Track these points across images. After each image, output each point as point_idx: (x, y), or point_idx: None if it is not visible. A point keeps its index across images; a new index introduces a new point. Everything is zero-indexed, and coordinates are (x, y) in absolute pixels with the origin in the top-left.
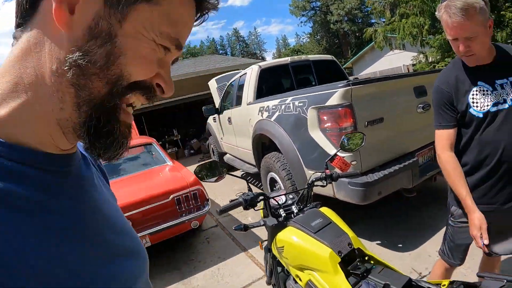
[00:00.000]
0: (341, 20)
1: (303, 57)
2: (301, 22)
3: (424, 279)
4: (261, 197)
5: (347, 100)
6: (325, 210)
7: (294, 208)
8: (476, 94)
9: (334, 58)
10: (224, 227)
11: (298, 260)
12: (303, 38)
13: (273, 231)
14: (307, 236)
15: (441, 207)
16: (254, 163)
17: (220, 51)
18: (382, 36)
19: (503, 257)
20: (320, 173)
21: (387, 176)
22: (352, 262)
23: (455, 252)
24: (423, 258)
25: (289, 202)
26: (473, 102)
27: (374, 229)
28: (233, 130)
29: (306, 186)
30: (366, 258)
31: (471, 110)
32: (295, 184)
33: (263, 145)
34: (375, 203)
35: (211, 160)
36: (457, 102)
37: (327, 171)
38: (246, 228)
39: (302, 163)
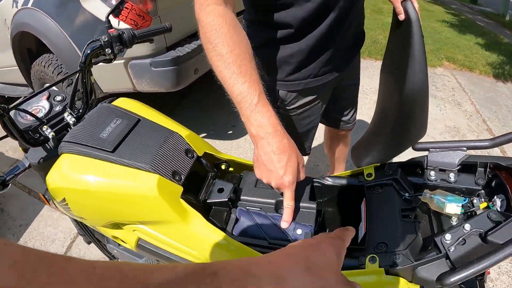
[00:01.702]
0: None
1: None
2: None
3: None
4: None
5: None
6: (123, 102)
7: (69, 118)
8: None
9: None
10: (16, 181)
11: (104, 215)
12: None
13: (46, 171)
14: (99, 163)
15: None
16: (26, 81)
17: None
18: None
19: None
20: (98, 40)
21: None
22: (203, 183)
23: (304, 142)
24: None
25: (58, 109)
26: None
27: (220, 114)
28: None
29: (78, 69)
30: (224, 166)
31: None
32: (79, 90)
33: (31, 52)
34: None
35: None
36: None
37: (112, 30)
38: (4, 182)
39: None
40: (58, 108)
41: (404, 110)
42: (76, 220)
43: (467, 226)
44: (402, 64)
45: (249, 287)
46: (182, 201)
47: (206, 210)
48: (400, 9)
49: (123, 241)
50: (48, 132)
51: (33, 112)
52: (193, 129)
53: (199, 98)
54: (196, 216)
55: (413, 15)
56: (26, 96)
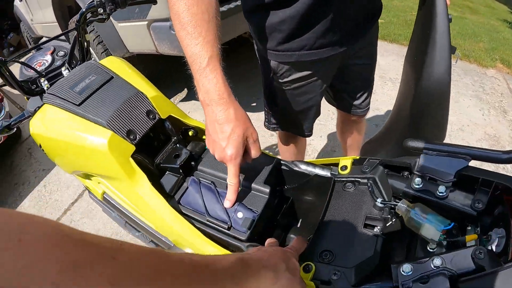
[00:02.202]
0: None
1: None
2: None
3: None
4: None
5: None
6: (107, 60)
7: (65, 72)
8: None
9: None
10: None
11: (69, 164)
12: None
13: None
14: (67, 115)
15: None
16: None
17: None
18: None
19: None
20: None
21: (232, 12)
22: (164, 147)
23: (302, 121)
24: None
25: (58, 63)
26: None
27: (247, 85)
28: (38, 2)
29: (74, 26)
30: (191, 133)
31: None
32: (107, 50)
33: (71, 10)
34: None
35: None
36: None
37: None
38: (9, 126)
39: (111, 17)
40: (58, 63)
41: (419, 106)
42: None
43: (437, 261)
44: (422, 52)
45: (265, 272)
46: (131, 160)
47: (160, 174)
48: None
49: (94, 190)
50: (44, 84)
51: (37, 65)
52: None
53: (227, 67)
54: (141, 177)
55: None
56: (25, 50)
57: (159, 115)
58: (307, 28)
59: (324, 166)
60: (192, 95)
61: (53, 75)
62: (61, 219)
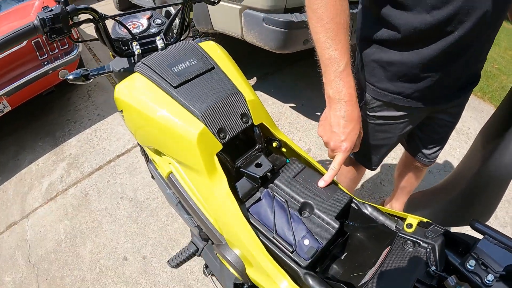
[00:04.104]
0: None
1: None
2: None
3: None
4: (85, 16)
5: None
6: (208, 46)
7: (159, 42)
8: None
9: None
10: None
11: (147, 138)
12: None
13: (121, 80)
14: (160, 92)
15: None
16: None
17: None
18: None
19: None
20: None
21: None
22: (246, 152)
23: (372, 155)
24: None
25: (154, 30)
26: None
27: (287, 88)
28: None
29: (181, 0)
30: (275, 144)
31: None
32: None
33: None
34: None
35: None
36: None
37: None
38: (86, 76)
39: None
40: (154, 30)
41: (477, 183)
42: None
43: None
44: (500, 132)
45: None
46: (215, 158)
47: (236, 177)
48: None
49: (161, 167)
50: (136, 48)
51: (131, 26)
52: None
53: (302, 71)
54: (221, 178)
55: None
56: (131, 12)
57: (252, 120)
58: (412, 78)
59: (390, 216)
60: (260, 86)
61: (146, 41)
62: (103, 168)
